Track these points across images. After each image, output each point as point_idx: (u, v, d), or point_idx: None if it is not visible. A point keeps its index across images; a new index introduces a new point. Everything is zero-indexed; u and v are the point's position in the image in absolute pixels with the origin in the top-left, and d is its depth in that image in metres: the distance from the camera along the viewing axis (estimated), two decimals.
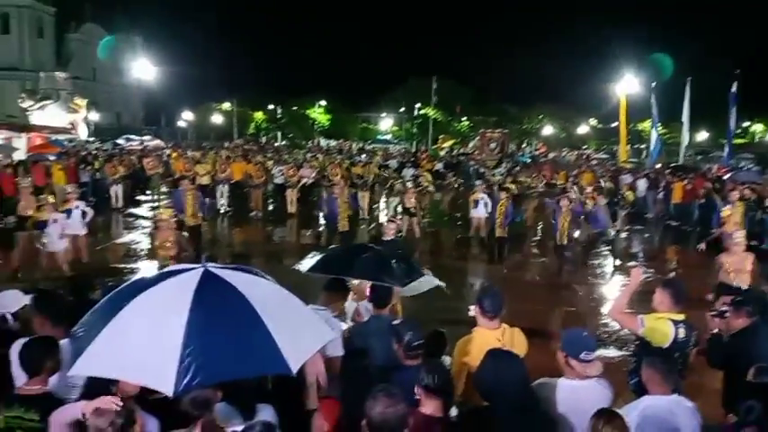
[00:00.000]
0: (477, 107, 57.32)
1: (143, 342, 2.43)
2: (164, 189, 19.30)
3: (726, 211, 11.58)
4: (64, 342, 3.15)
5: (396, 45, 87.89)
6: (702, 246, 10.19)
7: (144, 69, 38.83)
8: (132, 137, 40.25)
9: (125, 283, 3.09)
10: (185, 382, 2.28)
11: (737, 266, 6.78)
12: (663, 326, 3.87)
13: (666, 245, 15.53)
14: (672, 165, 26.32)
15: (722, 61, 35.16)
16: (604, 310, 9.11)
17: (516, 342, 3.74)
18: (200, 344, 2.36)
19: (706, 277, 7.63)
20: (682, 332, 3.88)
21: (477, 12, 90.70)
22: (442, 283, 5.47)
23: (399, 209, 14.63)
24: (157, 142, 38.80)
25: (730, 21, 57.65)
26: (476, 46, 71.10)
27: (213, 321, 2.49)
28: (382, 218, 16.26)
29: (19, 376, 3.11)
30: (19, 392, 2.98)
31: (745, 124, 52.88)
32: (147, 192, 20.23)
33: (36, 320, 3.76)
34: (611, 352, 7.10)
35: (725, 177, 20.63)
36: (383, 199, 18.41)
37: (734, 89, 24.64)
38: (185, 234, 9.91)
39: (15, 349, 3.23)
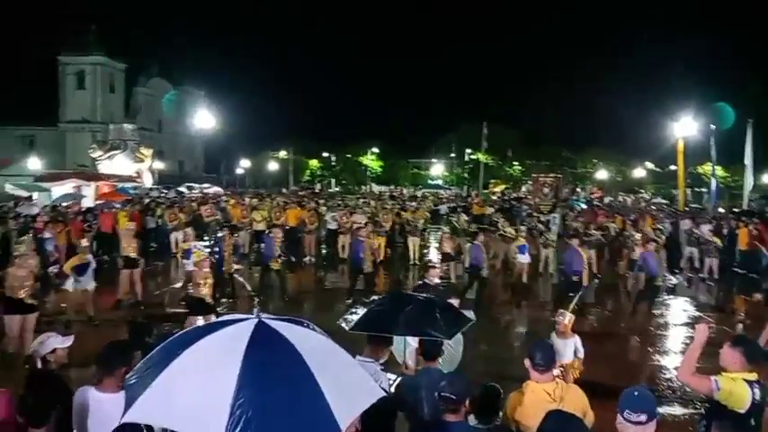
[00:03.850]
0: (528, 151, 56.96)
1: (194, 394, 2.43)
2: (220, 234, 19.84)
3: None
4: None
5: (447, 91, 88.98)
6: None
7: (205, 120, 40.71)
8: (193, 185, 41.79)
9: (180, 332, 3.13)
10: None
11: None
12: (740, 389, 3.56)
13: (733, 294, 14.71)
14: (735, 209, 25.19)
15: None
16: (666, 362, 8.72)
17: (568, 398, 3.56)
18: (251, 399, 2.35)
19: None
20: (757, 393, 3.58)
21: (529, 56, 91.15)
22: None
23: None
24: (216, 189, 40.14)
25: None
26: (527, 90, 70.78)
27: (264, 376, 2.48)
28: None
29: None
30: None
31: None
32: (205, 238, 20.82)
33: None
34: (676, 410, 6.75)
35: None
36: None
37: None
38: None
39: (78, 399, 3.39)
